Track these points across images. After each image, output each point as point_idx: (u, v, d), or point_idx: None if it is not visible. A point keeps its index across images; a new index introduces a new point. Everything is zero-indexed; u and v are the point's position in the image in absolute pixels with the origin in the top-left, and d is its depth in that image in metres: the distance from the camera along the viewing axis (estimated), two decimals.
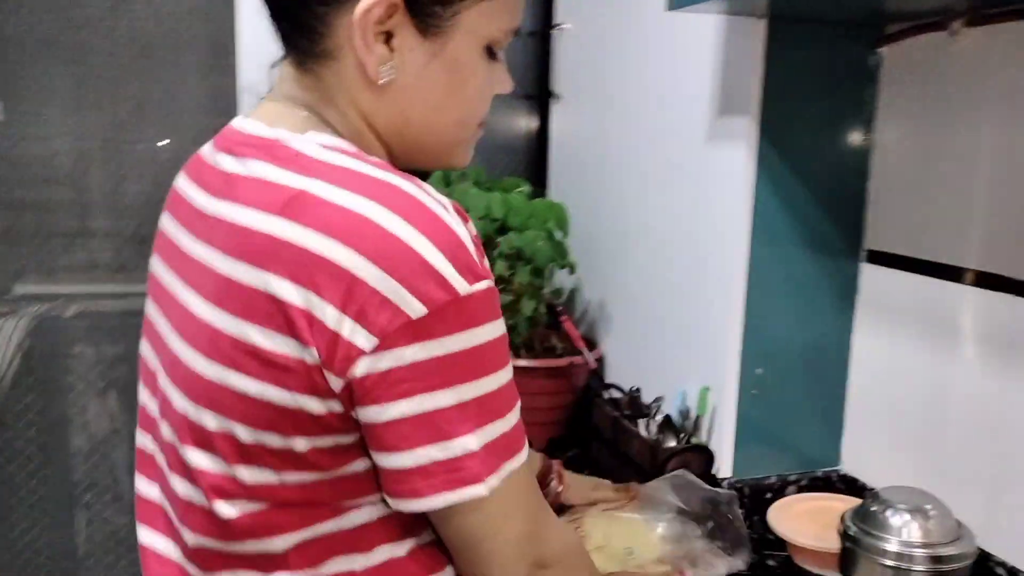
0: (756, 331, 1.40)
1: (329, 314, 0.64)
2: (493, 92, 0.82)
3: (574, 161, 2.06)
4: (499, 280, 1.73)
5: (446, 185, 1.76)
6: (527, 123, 2.26)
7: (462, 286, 0.66)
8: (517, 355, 1.78)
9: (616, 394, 1.66)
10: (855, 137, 1.38)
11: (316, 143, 0.72)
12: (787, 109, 1.33)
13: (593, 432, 1.65)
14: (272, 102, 0.80)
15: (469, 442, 0.67)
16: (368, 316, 0.64)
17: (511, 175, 2.21)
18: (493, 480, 0.69)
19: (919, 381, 1.30)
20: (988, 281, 1.18)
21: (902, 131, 1.34)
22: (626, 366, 1.79)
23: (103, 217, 2.16)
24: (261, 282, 0.66)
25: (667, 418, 1.50)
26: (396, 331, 0.64)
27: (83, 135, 2.21)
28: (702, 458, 1.42)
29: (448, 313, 0.65)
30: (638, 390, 1.59)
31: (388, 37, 0.73)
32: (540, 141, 2.22)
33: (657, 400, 1.55)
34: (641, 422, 1.52)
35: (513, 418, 0.72)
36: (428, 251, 0.65)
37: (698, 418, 1.47)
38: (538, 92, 2.20)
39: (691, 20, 1.43)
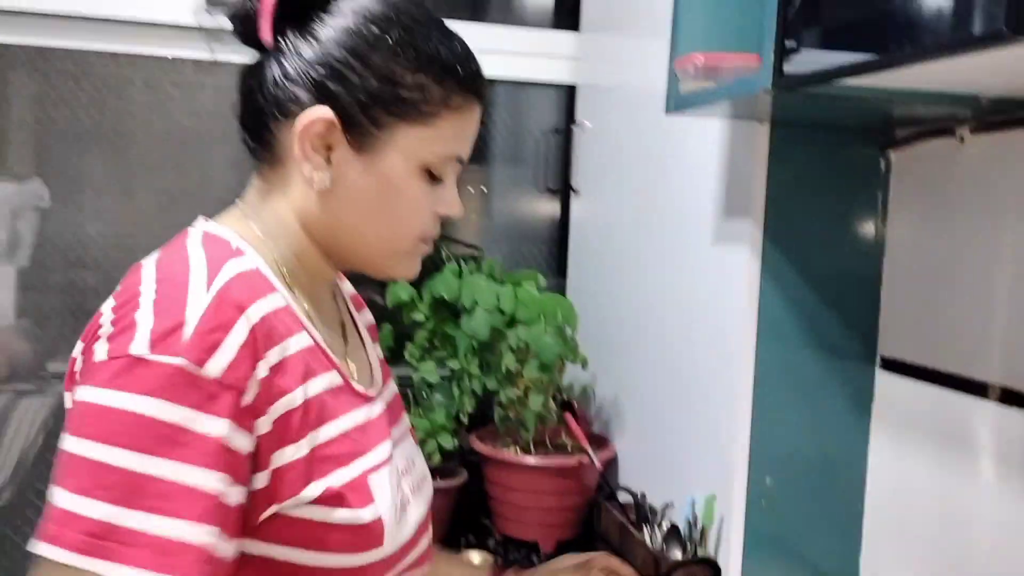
0: (765, 437, 1.35)
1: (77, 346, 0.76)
2: (435, 211, 0.86)
3: (591, 254, 2.05)
4: (507, 375, 1.71)
5: (458, 278, 1.76)
6: (551, 215, 2.27)
7: (140, 347, 0.68)
8: (526, 452, 1.74)
9: (626, 497, 1.61)
10: (865, 240, 1.35)
11: (201, 230, 0.82)
12: (792, 212, 1.31)
13: (601, 537, 1.59)
14: (229, 209, 0.88)
15: (60, 496, 0.66)
16: (86, 351, 0.72)
17: (534, 266, 2.21)
18: (71, 556, 0.64)
19: (937, 498, 1.23)
20: (1009, 398, 1.12)
21: (914, 235, 1.30)
22: (638, 467, 1.74)
23: None
24: None
25: (674, 527, 1.44)
26: (85, 366, 0.71)
27: (117, 222, 2.28)
28: (708, 572, 1.35)
29: (115, 366, 0.68)
30: (643, 496, 1.53)
31: (329, 149, 0.81)
32: (562, 233, 2.23)
33: (666, 506, 1.50)
34: (647, 529, 1.46)
35: (145, 520, 0.65)
36: (145, 308, 0.70)
37: (704, 528, 1.41)
38: (560, 186, 2.22)
39: (698, 122, 1.43)
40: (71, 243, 2.26)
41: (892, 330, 1.34)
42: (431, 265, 1.81)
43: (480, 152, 2.25)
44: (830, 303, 1.34)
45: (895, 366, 1.33)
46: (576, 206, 2.15)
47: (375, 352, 1.01)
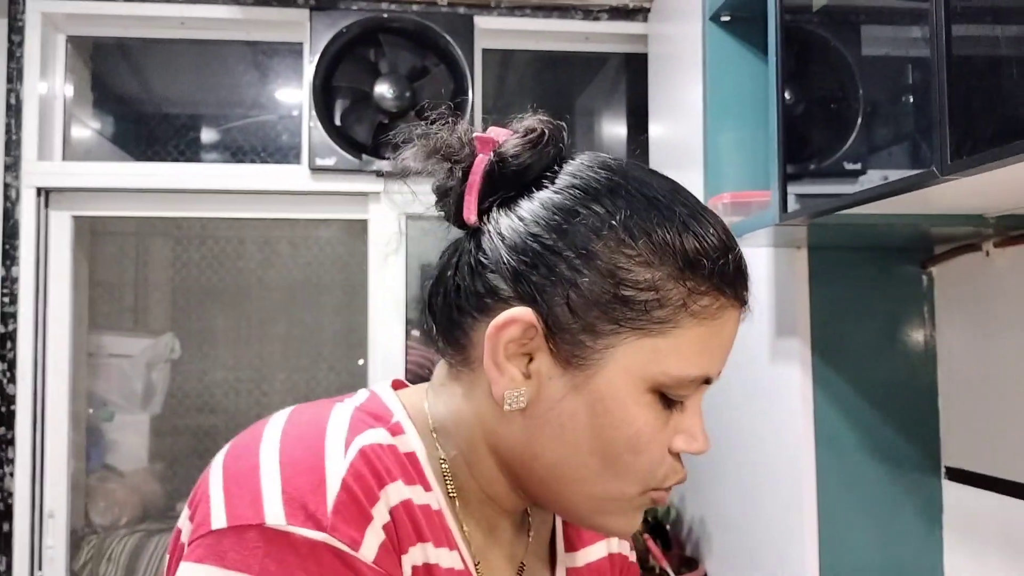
0: (834, 551, 1.37)
1: (184, 526, 0.61)
2: (671, 448, 0.65)
3: None
4: None
5: None
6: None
7: (276, 518, 0.56)
8: None
9: None
10: (916, 352, 1.39)
11: (364, 396, 0.68)
12: (839, 328, 1.38)
13: None
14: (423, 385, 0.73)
15: None
16: (194, 515, 0.59)
17: None
18: None
19: None
20: None
21: (964, 345, 1.34)
22: None
23: None
24: None
25: None
26: (195, 540, 0.57)
27: (238, 368, 2.51)
28: None
29: (245, 536, 0.56)
30: None
31: (529, 359, 0.63)
32: None
33: None
34: None
35: None
36: (270, 473, 0.58)
37: None
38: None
39: (748, 250, 1.53)
40: (198, 390, 2.50)
41: (954, 439, 1.36)
42: None
43: None
44: (888, 415, 1.38)
45: (961, 475, 1.34)
46: None
47: None
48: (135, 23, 2.27)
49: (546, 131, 0.65)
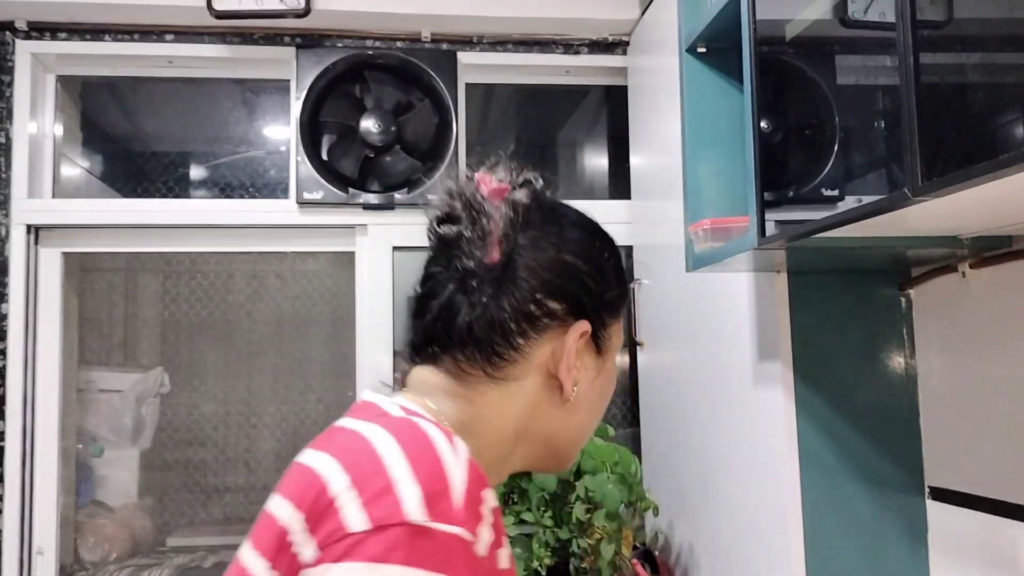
0: (820, 572, 1.38)
1: (296, 526, 0.65)
2: None
3: (658, 404, 2.14)
4: (579, 525, 1.79)
5: None
6: (621, 367, 2.39)
7: (418, 515, 0.62)
8: None
9: None
10: (896, 373, 1.42)
11: (400, 404, 0.77)
12: (819, 351, 1.40)
13: None
14: (400, 395, 0.83)
15: None
16: (320, 525, 0.63)
17: (609, 418, 2.32)
18: None
19: None
20: None
21: (944, 366, 1.37)
22: None
23: (237, 474, 2.41)
24: (277, 507, 0.71)
25: None
26: (333, 544, 0.62)
27: (227, 401, 2.52)
28: None
29: (391, 536, 0.61)
30: None
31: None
32: (632, 384, 2.34)
33: None
34: None
35: None
36: (401, 472, 0.64)
37: None
38: (626, 340, 2.35)
39: (730, 275, 1.56)
40: (188, 424, 2.50)
41: (937, 458, 1.38)
42: None
43: None
44: (870, 436, 1.40)
45: (944, 495, 1.36)
46: (642, 358, 2.27)
47: None
48: (124, 62, 2.30)
49: (539, 179, 0.85)
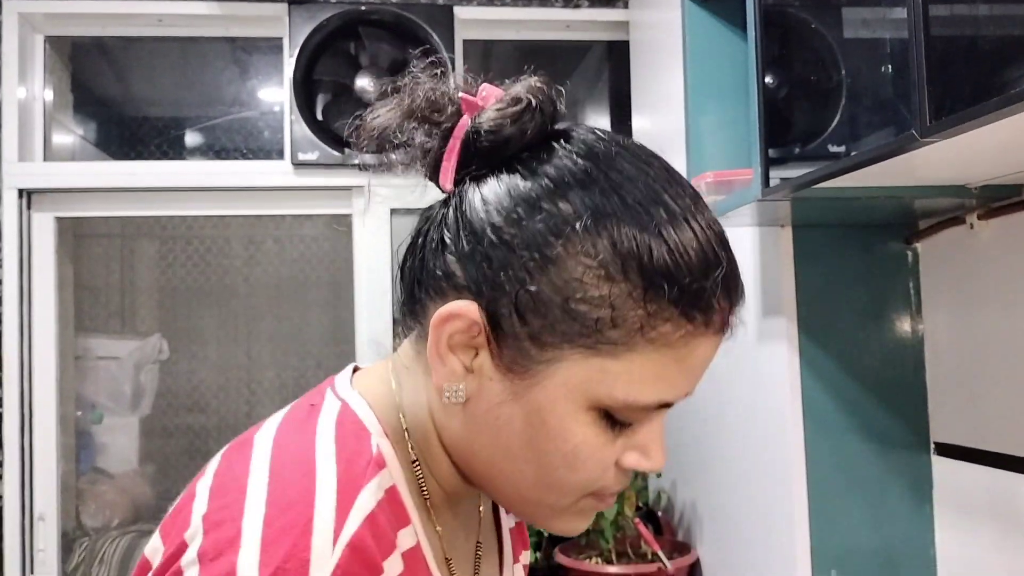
0: (825, 531, 1.37)
1: (156, 546, 0.59)
2: (621, 464, 0.60)
3: None
4: None
5: None
6: None
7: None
8: (608, 562, 1.79)
9: None
10: (902, 329, 1.39)
11: (340, 405, 0.63)
12: (824, 307, 1.38)
13: None
14: (385, 363, 0.68)
15: None
16: (168, 549, 0.56)
17: None
18: None
19: None
20: None
21: (951, 320, 1.34)
22: (717, 571, 1.75)
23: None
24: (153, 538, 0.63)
25: None
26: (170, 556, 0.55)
27: (227, 367, 2.50)
28: None
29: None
30: None
31: (475, 354, 0.58)
32: None
33: None
34: None
35: None
36: (251, 522, 0.52)
37: None
38: None
39: (735, 230, 1.53)
40: (187, 390, 2.49)
41: (942, 414, 1.36)
42: None
43: None
44: (875, 392, 1.38)
45: (950, 450, 1.34)
46: None
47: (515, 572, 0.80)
48: (113, 21, 2.25)
49: (532, 101, 0.58)
